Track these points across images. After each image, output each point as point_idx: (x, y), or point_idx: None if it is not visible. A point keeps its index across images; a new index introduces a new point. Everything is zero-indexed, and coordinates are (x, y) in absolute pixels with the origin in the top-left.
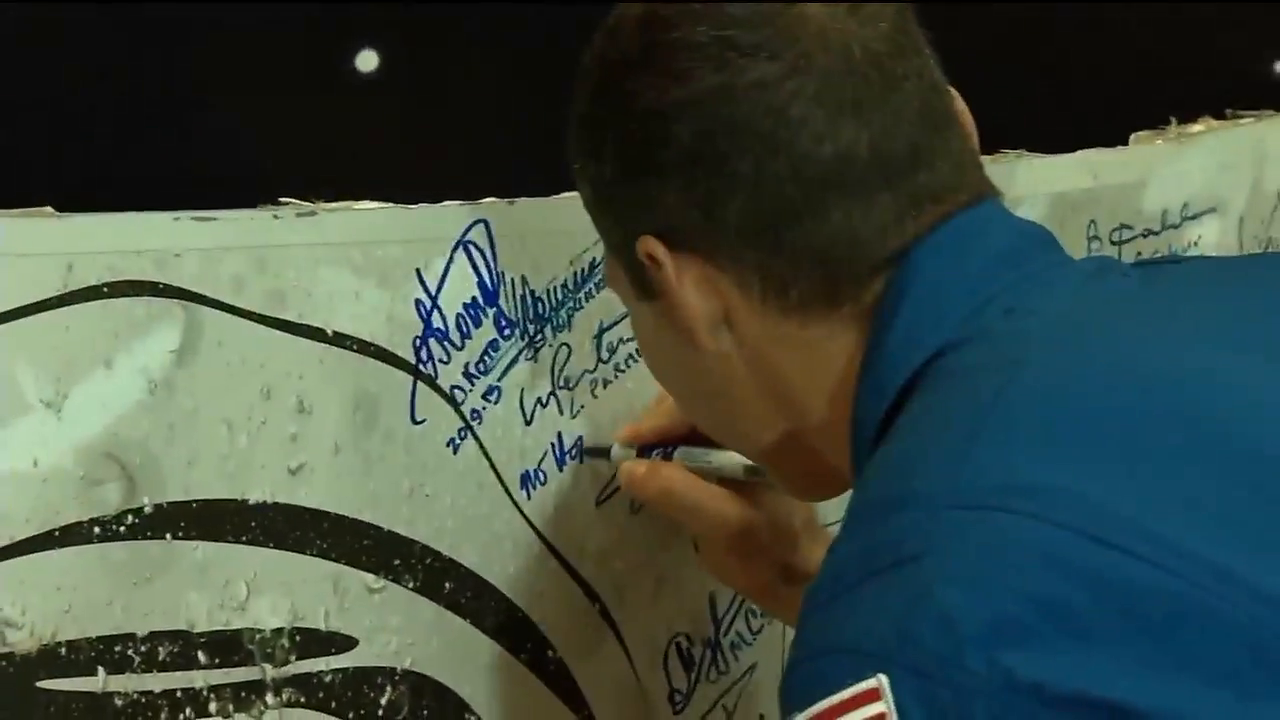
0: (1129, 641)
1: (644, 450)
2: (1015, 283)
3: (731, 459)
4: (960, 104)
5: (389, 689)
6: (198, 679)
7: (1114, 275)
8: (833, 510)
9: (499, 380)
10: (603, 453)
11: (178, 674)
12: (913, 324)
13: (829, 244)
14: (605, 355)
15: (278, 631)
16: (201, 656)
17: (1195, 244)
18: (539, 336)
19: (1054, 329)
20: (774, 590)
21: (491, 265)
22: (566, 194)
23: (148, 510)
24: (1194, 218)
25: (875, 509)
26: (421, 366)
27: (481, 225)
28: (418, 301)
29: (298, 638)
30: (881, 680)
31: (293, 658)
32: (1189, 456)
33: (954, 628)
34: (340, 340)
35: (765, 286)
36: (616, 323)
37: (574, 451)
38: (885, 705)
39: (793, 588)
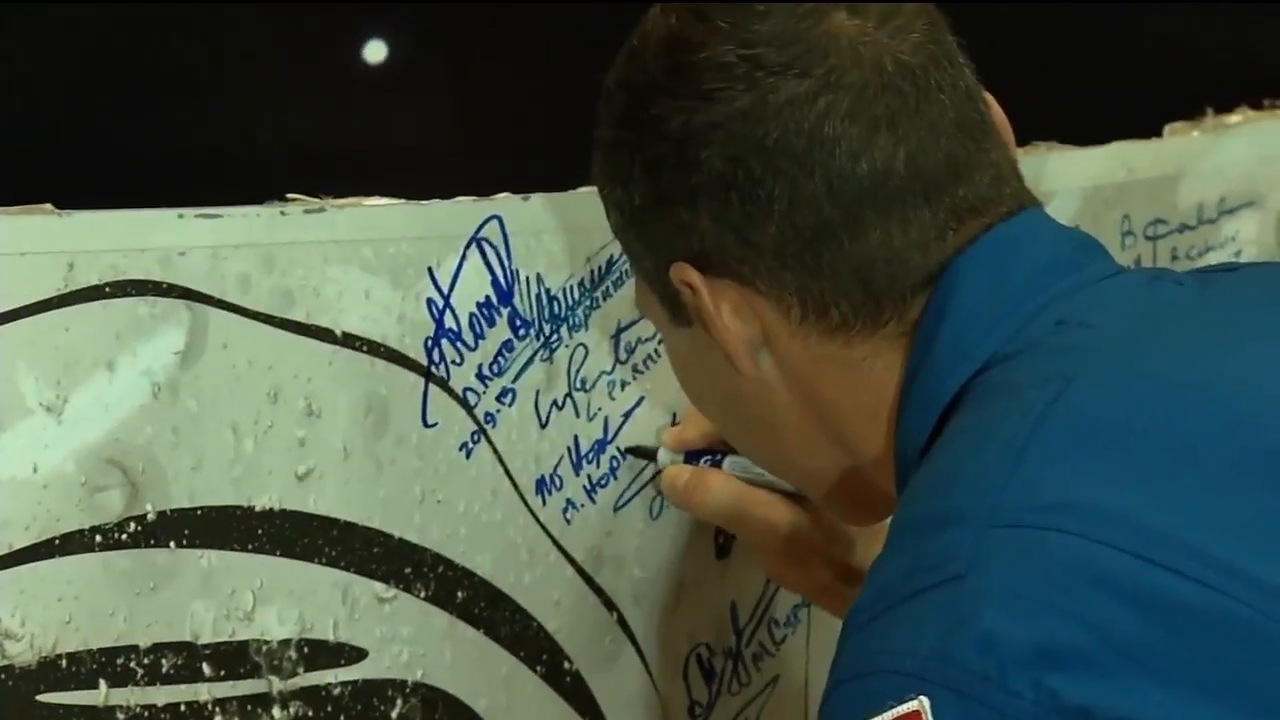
0: (1179, 664)
1: (691, 456)
2: (1065, 293)
3: None
4: (998, 111)
5: (400, 702)
6: (202, 692)
7: (1168, 284)
8: None
9: (513, 382)
10: (648, 454)
11: (182, 686)
12: (958, 338)
13: (869, 263)
14: (623, 355)
15: (285, 642)
16: (206, 668)
17: (1233, 239)
18: (555, 337)
19: (1106, 342)
20: (834, 591)
21: (506, 263)
22: (583, 189)
23: (151, 517)
24: (1231, 212)
25: (919, 526)
26: (433, 368)
27: (495, 221)
28: (429, 301)
29: (306, 649)
30: (923, 702)
31: (300, 669)
32: (1241, 473)
33: (996, 648)
34: (350, 341)
35: (805, 308)
36: (635, 322)
37: (615, 441)
38: None
39: (853, 588)
